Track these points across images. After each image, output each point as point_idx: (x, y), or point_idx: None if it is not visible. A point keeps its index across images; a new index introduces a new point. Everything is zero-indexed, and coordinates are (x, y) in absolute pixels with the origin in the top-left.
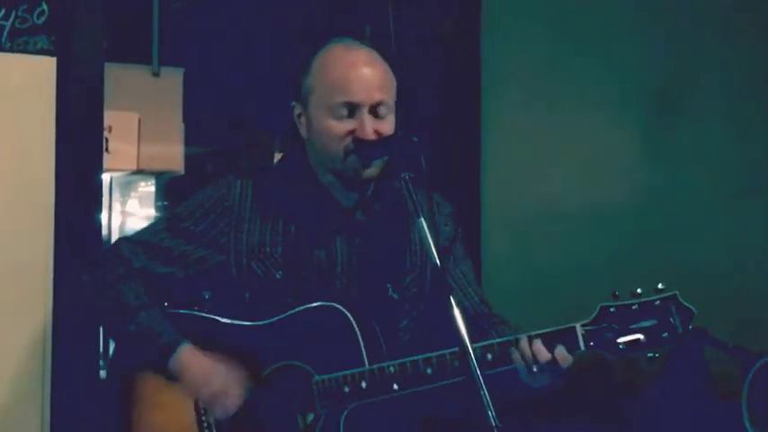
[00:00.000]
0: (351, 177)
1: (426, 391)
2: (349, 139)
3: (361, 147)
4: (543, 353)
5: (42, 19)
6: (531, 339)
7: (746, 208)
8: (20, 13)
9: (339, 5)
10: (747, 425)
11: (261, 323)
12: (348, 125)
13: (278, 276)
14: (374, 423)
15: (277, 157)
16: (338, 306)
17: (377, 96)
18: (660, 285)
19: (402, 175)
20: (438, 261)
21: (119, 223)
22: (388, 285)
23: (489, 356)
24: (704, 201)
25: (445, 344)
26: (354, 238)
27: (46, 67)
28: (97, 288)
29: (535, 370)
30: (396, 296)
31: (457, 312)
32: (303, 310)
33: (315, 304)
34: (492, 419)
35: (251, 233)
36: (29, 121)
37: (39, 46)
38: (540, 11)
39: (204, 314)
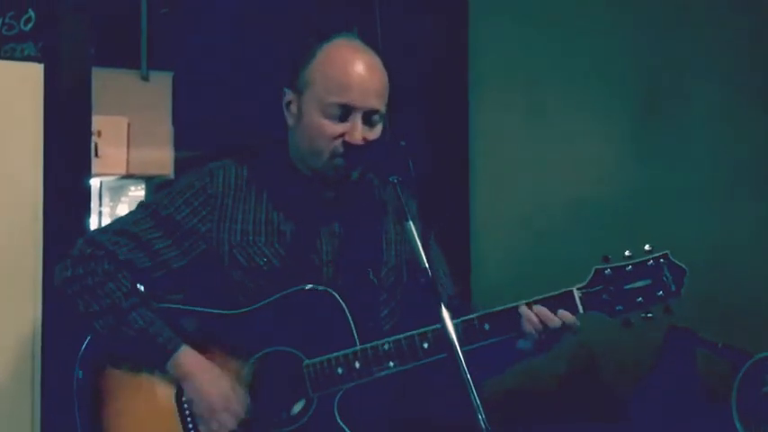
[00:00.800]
0: (330, 177)
1: (419, 371)
2: (337, 142)
3: (349, 150)
4: (552, 318)
5: (29, 26)
6: (531, 306)
7: (733, 208)
8: (7, 20)
9: (327, 8)
10: (737, 424)
11: (244, 310)
12: (339, 127)
13: (261, 264)
14: (368, 404)
15: None
16: (327, 289)
17: (373, 103)
18: (647, 247)
19: (390, 178)
20: (427, 266)
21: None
22: (369, 270)
23: (486, 326)
24: (690, 201)
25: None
26: (336, 227)
27: (33, 73)
28: (83, 287)
29: (541, 337)
30: (375, 280)
31: (448, 320)
32: (288, 294)
33: (302, 287)
34: (482, 423)
35: (234, 221)
36: (17, 128)
37: (26, 53)
38: (526, 13)
39: (188, 306)
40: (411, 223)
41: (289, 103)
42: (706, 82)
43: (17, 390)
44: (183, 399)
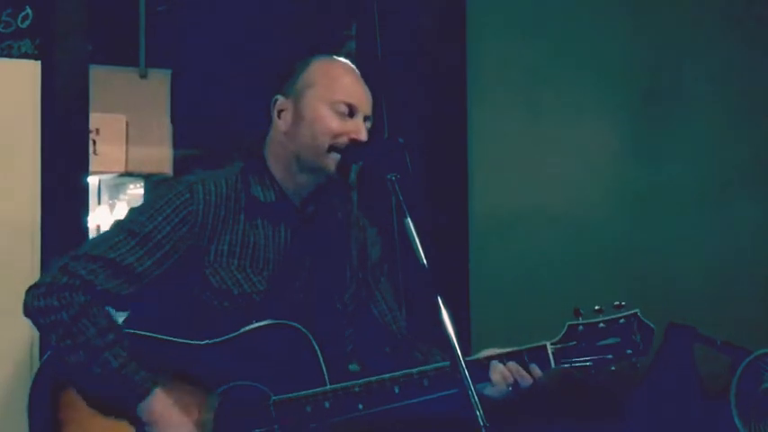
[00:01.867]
0: (329, 175)
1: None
2: (341, 138)
3: (348, 146)
4: (525, 375)
5: (27, 23)
6: (501, 359)
7: (732, 206)
8: (4, 18)
9: (326, 6)
10: (736, 421)
11: (213, 341)
12: (345, 124)
13: (232, 288)
14: None
15: None
16: (295, 324)
17: (368, 110)
18: (619, 302)
19: (388, 176)
20: (424, 261)
21: (108, 225)
22: (336, 297)
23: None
24: (690, 198)
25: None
26: (308, 250)
27: (30, 71)
28: (57, 321)
29: (510, 389)
30: (339, 307)
31: (445, 313)
32: (256, 328)
33: (269, 322)
34: (480, 419)
35: (210, 240)
36: (13, 126)
37: (23, 50)
38: (524, 13)
39: (155, 335)
40: (409, 220)
41: (281, 111)
42: (705, 81)
43: (15, 393)
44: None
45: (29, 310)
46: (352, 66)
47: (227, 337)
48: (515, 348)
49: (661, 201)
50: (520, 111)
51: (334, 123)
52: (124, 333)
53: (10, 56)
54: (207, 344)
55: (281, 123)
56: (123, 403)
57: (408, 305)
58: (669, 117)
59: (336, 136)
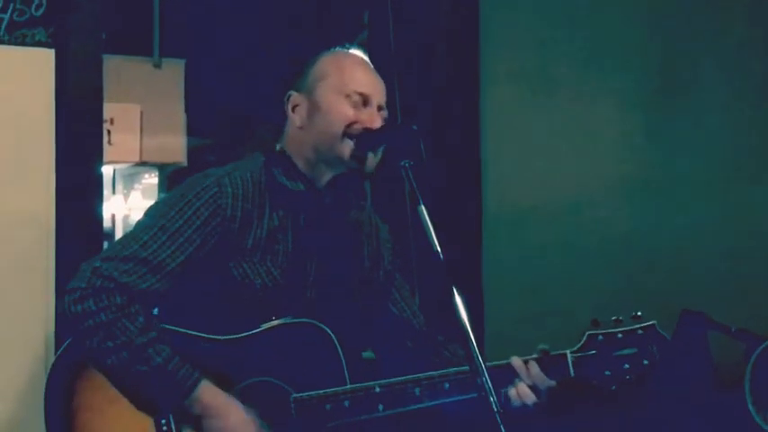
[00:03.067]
0: (344, 163)
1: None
2: (355, 126)
3: (362, 134)
4: (545, 379)
5: (41, 11)
6: (528, 364)
7: (748, 191)
8: (18, 6)
9: None
10: (751, 408)
11: (235, 336)
12: (359, 113)
13: (256, 283)
14: None
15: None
16: (318, 323)
17: (382, 99)
18: (638, 313)
19: (402, 162)
20: (438, 249)
21: (123, 215)
22: (351, 290)
23: (479, 380)
24: (704, 187)
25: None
26: (326, 245)
27: (44, 59)
28: (97, 324)
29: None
30: (355, 301)
31: (459, 301)
32: (280, 325)
33: (289, 319)
34: (494, 405)
35: (236, 234)
36: (27, 115)
37: (37, 38)
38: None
39: (176, 328)
40: (423, 208)
41: (296, 106)
42: (721, 64)
43: (31, 380)
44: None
45: (69, 317)
46: (364, 56)
47: (247, 333)
48: (534, 356)
49: (676, 189)
50: (534, 100)
51: (348, 111)
52: (162, 329)
53: (24, 44)
54: (228, 339)
55: (297, 119)
56: (169, 399)
57: (422, 295)
58: (684, 105)
59: (351, 123)
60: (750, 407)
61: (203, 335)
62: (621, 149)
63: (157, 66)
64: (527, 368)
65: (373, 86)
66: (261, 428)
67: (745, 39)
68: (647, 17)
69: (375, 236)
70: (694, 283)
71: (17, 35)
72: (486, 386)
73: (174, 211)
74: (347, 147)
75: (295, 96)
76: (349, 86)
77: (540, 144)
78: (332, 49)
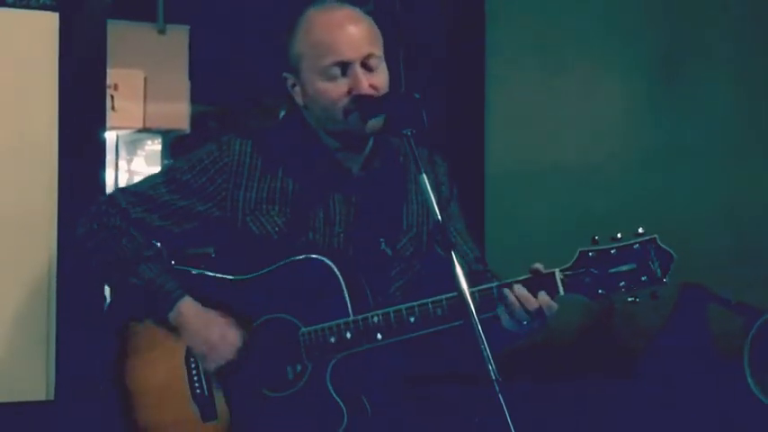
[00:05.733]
0: (354, 135)
1: (414, 342)
2: (347, 99)
3: (362, 103)
4: (531, 300)
5: None
6: (512, 286)
7: (749, 166)
8: None
9: None
10: (750, 381)
11: (249, 276)
12: (343, 85)
13: (273, 234)
14: (361, 373)
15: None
16: (322, 258)
17: (365, 49)
18: (640, 229)
19: (404, 131)
20: (439, 217)
21: (125, 181)
22: (381, 240)
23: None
24: (706, 158)
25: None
26: (352, 196)
27: (48, 22)
28: (95, 241)
29: (523, 320)
30: (389, 251)
31: (459, 268)
32: (289, 262)
33: (299, 257)
34: (492, 373)
35: (248, 190)
36: (31, 78)
37: (41, 1)
38: None
39: (197, 269)
40: (425, 176)
41: (293, 86)
42: (725, 39)
43: (34, 335)
44: (193, 359)
45: (79, 237)
46: (337, 8)
47: (261, 272)
48: (523, 277)
49: (677, 159)
50: (538, 67)
51: (333, 92)
52: (162, 253)
53: (28, 7)
54: (243, 279)
55: (297, 98)
56: (158, 311)
57: None
58: (689, 74)
59: (340, 101)
60: (749, 379)
61: (217, 274)
62: (624, 118)
63: (162, 32)
64: (512, 291)
65: (350, 45)
66: (237, 347)
67: (751, 13)
68: None
69: (434, 176)
70: (696, 254)
71: None
72: (485, 355)
73: (186, 165)
74: (352, 121)
75: (290, 79)
76: (323, 61)
77: (544, 111)
78: (306, 12)
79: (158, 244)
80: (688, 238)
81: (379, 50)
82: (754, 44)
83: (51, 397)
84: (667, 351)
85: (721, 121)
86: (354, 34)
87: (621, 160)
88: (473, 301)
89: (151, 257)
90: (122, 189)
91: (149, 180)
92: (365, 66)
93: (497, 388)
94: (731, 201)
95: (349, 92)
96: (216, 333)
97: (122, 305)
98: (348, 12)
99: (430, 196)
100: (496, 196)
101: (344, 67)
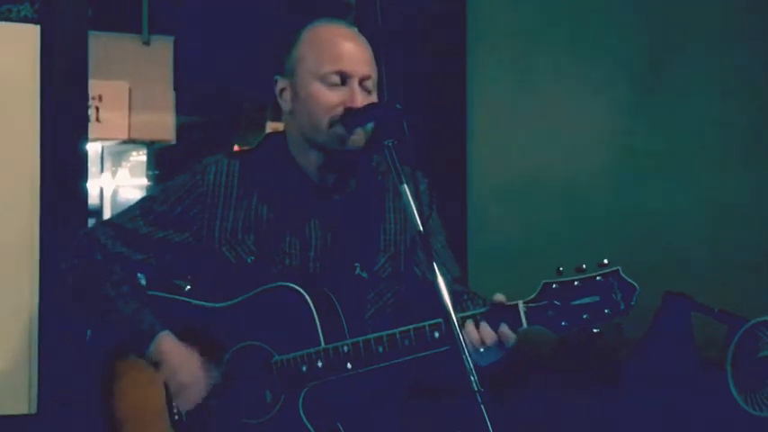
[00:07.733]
0: (334, 149)
1: (389, 368)
2: (337, 110)
3: (347, 114)
4: (490, 335)
5: None
6: (475, 319)
7: (730, 174)
8: None
9: None
10: (733, 389)
11: (225, 304)
12: (339, 94)
13: (249, 262)
14: (336, 399)
15: (268, 126)
16: (293, 285)
17: (366, 70)
18: (605, 260)
19: (385, 142)
20: (421, 228)
21: (111, 192)
22: (357, 265)
23: (437, 335)
24: (687, 166)
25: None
26: (329, 220)
27: (30, 34)
28: (74, 276)
29: (482, 350)
30: (365, 275)
31: (441, 279)
32: (262, 291)
33: (272, 285)
34: (474, 384)
35: (224, 220)
36: (12, 90)
37: (22, 14)
38: None
39: (175, 296)
40: (405, 187)
41: (282, 91)
42: (706, 47)
43: (16, 349)
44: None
45: (61, 272)
46: (344, 26)
47: (237, 299)
48: (486, 308)
49: (659, 170)
50: (519, 78)
51: (326, 98)
52: (141, 288)
53: (9, 19)
54: (220, 306)
55: (284, 103)
56: (137, 348)
57: None
58: (670, 82)
59: (331, 109)
60: (732, 388)
61: (194, 301)
62: (606, 128)
63: (146, 43)
64: (472, 328)
65: (351, 59)
66: (209, 388)
67: (732, 21)
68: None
69: (399, 208)
70: (678, 263)
71: (2, 10)
72: (467, 365)
73: (163, 195)
74: (335, 134)
75: (280, 81)
76: (324, 67)
77: (526, 122)
78: (313, 23)
79: (141, 276)
80: (671, 247)
81: (375, 77)
82: (735, 52)
83: (34, 410)
84: (650, 360)
85: (702, 131)
86: (359, 52)
87: (603, 170)
88: (439, 332)
89: (128, 293)
90: (103, 223)
91: (128, 212)
92: (362, 85)
93: (480, 399)
94: (714, 210)
95: (339, 104)
96: (189, 375)
97: (103, 338)
98: (351, 31)
99: (411, 206)
100: (478, 207)
101: (344, 78)
